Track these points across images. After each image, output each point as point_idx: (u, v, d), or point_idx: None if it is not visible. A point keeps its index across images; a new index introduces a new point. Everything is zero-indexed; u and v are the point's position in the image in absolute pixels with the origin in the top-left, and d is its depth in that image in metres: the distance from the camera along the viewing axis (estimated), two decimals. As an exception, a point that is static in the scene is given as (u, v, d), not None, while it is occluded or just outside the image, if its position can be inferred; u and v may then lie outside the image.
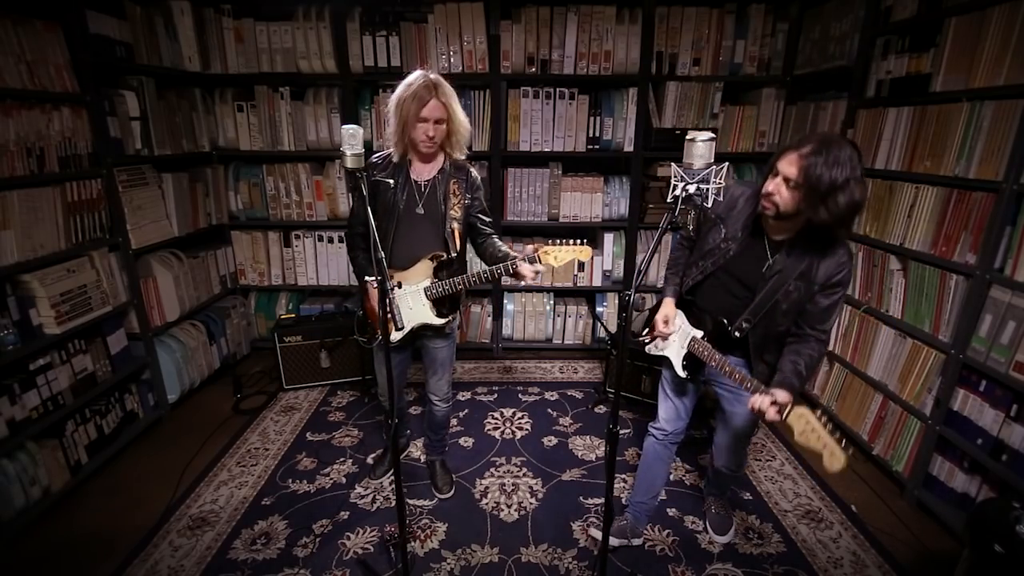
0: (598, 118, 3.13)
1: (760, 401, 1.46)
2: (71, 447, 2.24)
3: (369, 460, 2.46)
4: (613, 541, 1.97)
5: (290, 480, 2.34)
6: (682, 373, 1.75)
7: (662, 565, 1.90)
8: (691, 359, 1.73)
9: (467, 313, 3.47)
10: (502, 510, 2.16)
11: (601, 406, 2.94)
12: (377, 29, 2.98)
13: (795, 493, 2.27)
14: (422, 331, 1.94)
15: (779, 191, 1.41)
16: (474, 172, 1.90)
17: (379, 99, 3.10)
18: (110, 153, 2.42)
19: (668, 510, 2.16)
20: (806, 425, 1.41)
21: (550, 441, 2.62)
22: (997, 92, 1.86)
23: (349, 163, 1.36)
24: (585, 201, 3.28)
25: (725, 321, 1.63)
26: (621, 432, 2.67)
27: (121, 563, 1.90)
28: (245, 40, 3.04)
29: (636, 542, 1.99)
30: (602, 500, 2.16)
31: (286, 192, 3.32)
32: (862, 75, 2.52)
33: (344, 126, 1.33)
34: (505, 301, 3.47)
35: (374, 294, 1.87)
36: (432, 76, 1.70)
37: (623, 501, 2.16)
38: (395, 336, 1.87)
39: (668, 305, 1.76)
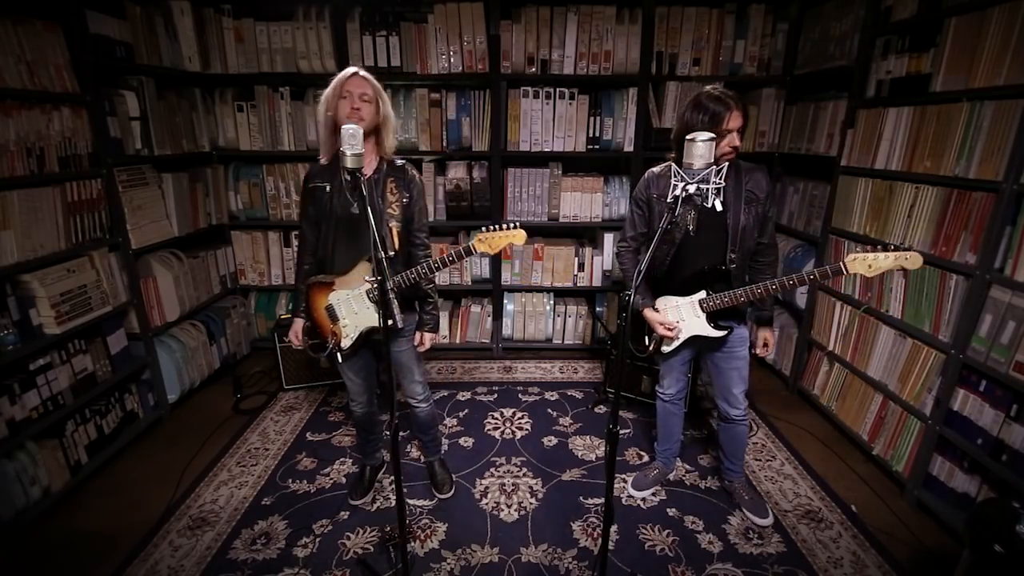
0: (598, 118, 3.13)
1: (764, 352, 2.05)
2: (71, 447, 2.25)
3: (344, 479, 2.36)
4: (648, 491, 2.24)
5: (290, 480, 2.34)
6: (720, 333, 1.89)
7: (662, 565, 1.90)
8: (714, 316, 1.89)
9: (467, 313, 3.47)
10: (502, 510, 2.16)
11: (601, 406, 2.94)
12: (377, 29, 2.98)
13: (795, 493, 2.27)
14: (376, 334, 1.88)
15: (733, 141, 1.74)
16: (411, 171, 1.86)
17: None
18: (110, 153, 2.42)
19: (668, 510, 2.16)
20: (864, 262, 1.57)
21: (550, 441, 2.62)
22: (997, 92, 1.86)
23: (349, 163, 1.36)
24: (585, 201, 3.28)
25: (720, 266, 1.83)
26: (621, 432, 2.67)
27: (121, 563, 1.90)
28: (245, 40, 3.04)
29: (671, 477, 2.35)
30: (602, 500, 2.16)
31: (286, 192, 3.32)
32: (862, 75, 2.52)
33: (344, 126, 1.33)
34: (505, 301, 3.47)
35: (315, 300, 1.86)
36: (361, 68, 1.76)
37: (647, 459, 2.47)
38: (345, 343, 1.85)
39: (652, 313, 1.94)
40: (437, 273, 1.82)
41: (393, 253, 1.82)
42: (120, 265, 2.51)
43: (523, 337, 3.52)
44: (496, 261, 3.35)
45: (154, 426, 2.73)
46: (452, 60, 3.03)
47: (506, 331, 3.52)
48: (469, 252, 1.71)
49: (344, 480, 2.34)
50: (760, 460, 2.48)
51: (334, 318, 1.85)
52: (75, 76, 2.24)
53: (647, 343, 2.02)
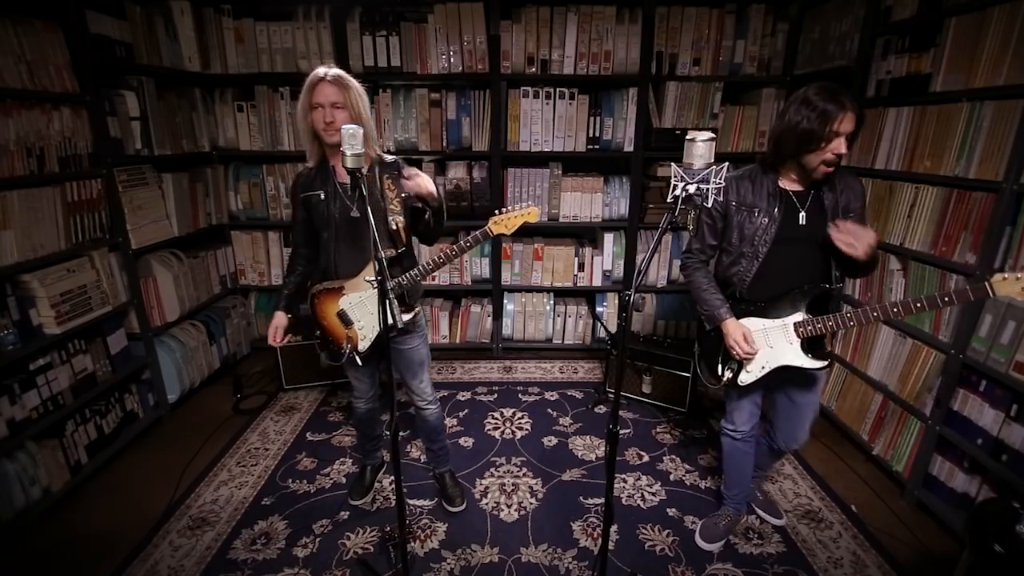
0: (598, 118, 3.13)
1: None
2: (71, 447, 2.24)
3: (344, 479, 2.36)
4: (720, 543, 1.95)
5: (290, 480, 2.34)
6: (819, 364, 1.65)
7: (662, 565, 1.90)
8: (809, 343, 1.66)
9: (467, 313, 3.47)
10: (502, 510, 2.16)
11: (601, 406, 2.94)
12: (377, 29, 2.98)
13: (795, 493, 2.27)
14: (391, 331, 1.86)
15: (839, 148, 1.49)
16: (404, 166, 1.83)
17: (379, 99, 3.10)
18: (110, 153, 2.42)
19: (668, 510, 2.16)
20: (1017, 283, 1.32)
21: (550, 441, 2.62)
22: (997, 92, 1.86)
23: (349, 163, 1.35)
24: (585, 201, 3.28)
25: (825, 285, 1.63)
26: (621, 432, 2.67)
27: (121, 563, 1.90)
28: (245, 40, 3.04)
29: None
30: (602, 500, 2.16)
31: (286, 192, 3.31)
32: (862, 75, 2.52)
33: (344, 126, 1.33)
34: (505, 301, 3.47)
35: (324, 308, 1.84)
36: (329, 69, 1.67)
37: (719, 490, 2.16)
38: (363, 345, 1.84)
39: (735, 324, 1.67)
40: (454, 261, 1.80)
41: (404, 249, 1.81)
42: (120, 265, 2.51)
43: (523, 337, 3.52)
44: (496, 261, 3.35)
45: (154, 426, 2.73)
46: (452, 60, 3.03)
47: (506, 331, 3.52)
48: (487, 235, 1.75)
49: (344, 480, 2.34)
50: (760, 460, 2.48)
51: (347, 322, 1.84)
52: (75, 76, 2.24)
53: (721, 372, 1.76)
